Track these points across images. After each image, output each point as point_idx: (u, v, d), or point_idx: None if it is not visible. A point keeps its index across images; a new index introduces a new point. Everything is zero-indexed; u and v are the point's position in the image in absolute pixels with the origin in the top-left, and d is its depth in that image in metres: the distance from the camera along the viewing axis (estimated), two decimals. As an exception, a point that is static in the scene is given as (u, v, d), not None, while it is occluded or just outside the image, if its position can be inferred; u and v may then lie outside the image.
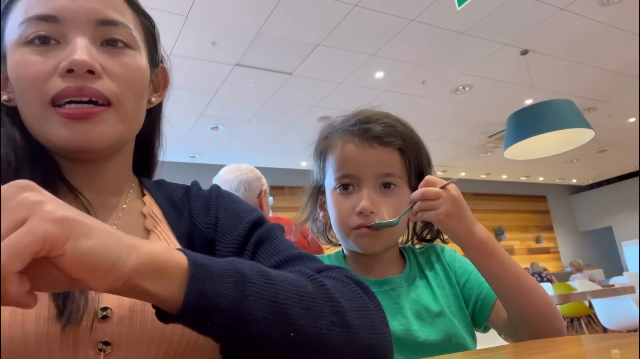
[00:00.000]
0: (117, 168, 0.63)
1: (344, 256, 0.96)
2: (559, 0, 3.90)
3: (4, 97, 0.58)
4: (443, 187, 0.78)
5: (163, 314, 0.40)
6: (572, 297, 3.93)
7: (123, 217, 0.61)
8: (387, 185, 0.88)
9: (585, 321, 5.87)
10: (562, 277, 8.64)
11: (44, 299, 0.46)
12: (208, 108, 5.49)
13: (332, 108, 5.64)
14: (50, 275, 0.34)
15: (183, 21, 3.76)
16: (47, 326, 0.45)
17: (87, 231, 0.34)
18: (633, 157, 9.21)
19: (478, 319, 0.88)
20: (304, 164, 7.73)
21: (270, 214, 2.29)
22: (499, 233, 10.44)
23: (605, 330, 4.90)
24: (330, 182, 0.92)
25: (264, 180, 2.13)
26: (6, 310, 0.44)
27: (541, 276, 7.76)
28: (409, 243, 1.00)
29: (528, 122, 3.84)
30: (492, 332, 0.91)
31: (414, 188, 0.92)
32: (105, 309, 0.48)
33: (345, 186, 0.88)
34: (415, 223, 1.00)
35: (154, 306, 0.41)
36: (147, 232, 0.60)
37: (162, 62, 0.70)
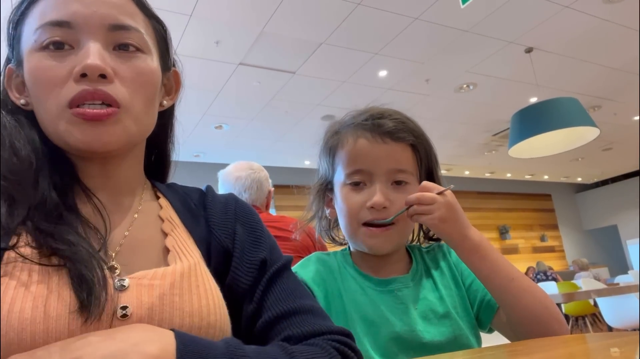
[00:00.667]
0: (130, 168, 0.64)
1: (350, 253, 0.95)
2: (564, -2, 3.89)
3: (22, 101, 0.60)
4: (440, 193, 0.80)
5: None
6: (577, 296, 3.92)
7: (139, 219, 0.62)
8: (398, 182, 0.87)
9: (590, 319, 5.85)
10: (567, 276, 8.61)
11: (65, 296, 0.47)
12: (212, 107, 5.51)
13: (335, 107, 5.64)
14: None
15: (187, 21, 3.77)
16: (67, 324, 0.46)
17: None
18: (638, 155, 9.16)
19: (483, 320, 0.88)
20: (307, 163, 7.74)
21: (274, 212, 2.30)
22: (503, 232, 10.41)
23: (610, 329, 4.89)
24: (340, 178, 0.91)
25: (270, 180, 2.15)
26: (27, 307, 0.45)
27: (546, 274, 7.74)
28: (416, 241, 0.99)
29: (533, 120, 3.83)
30: (497, 332, 0.91)
31: None
32: (124, 308, 0.49)
33: (356, 183, 0.88)
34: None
35: None
36: (165, 235, 0.61)
37: (174, 65, 0.71)
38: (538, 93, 5.50)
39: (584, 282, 5.02)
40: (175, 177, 0.75)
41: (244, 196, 1.97)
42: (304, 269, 0.89)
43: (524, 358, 0.55)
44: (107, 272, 0.50)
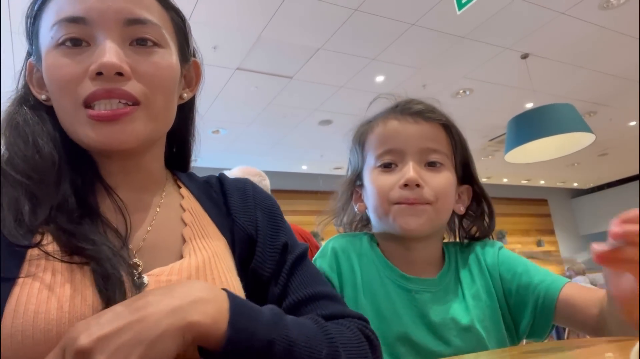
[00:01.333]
0: (151, 163, 0.64)
1: (377, 243, 0.87)
2: (559, 4, 3.91)
3: (43, 97, 0.59)
4: None
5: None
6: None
7: (161, 212, 0.62)
8: (432, 164, 0.81)
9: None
10: (564, 281, 8.61)
11: (88, 296, 0.47)
12: (209, 112, 5.50)
13: (332, 112, 5.64)
14: None
15: (184, 25, 3.78)
16: None
17: None
18: (634, 160, 9.19)
19: (540, 326, 0.76)
20: (304, 167, 7.73)
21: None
22: (500, 237, 10.41)
23: (606, 334, 4.88)
24: (370, 162, 0.85)
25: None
26: (53, 308, 0.45)
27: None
28: (457, 238, 0.92)
29: (529, 125, 3.84)
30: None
31: (460, 176, 0.86)
32: None
33: (388, 165, 0.82)
34: (461, 219, 0.92)
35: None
36: (184, 225, 0.61)
37: (194, 55, 0.70)
38: (534, 99, 5.52)
39: (581, 287, 5.02)
40: (173, 181, 0.75)
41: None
42: (322, 259, 0.85)
43: (519, 362, 0.55)
44: (130, 270, 0.51)
